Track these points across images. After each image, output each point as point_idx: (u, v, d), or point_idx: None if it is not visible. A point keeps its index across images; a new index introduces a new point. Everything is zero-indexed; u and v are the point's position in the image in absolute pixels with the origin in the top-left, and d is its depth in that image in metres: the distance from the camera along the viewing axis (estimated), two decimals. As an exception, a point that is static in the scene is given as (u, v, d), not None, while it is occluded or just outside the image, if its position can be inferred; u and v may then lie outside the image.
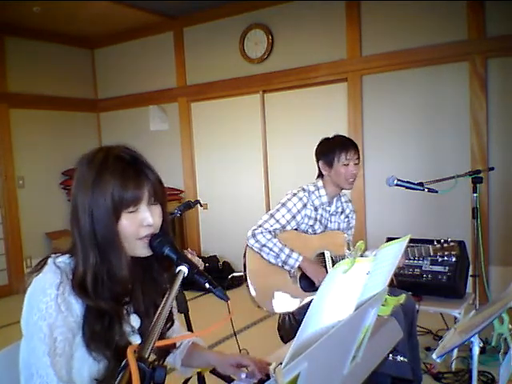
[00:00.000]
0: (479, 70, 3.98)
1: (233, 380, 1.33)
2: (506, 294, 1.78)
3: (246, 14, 5.08)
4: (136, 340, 1.19)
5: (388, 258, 1.16)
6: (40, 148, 5.68)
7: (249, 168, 5.33)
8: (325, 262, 2.46)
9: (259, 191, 5.27)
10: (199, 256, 5.27)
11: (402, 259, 2.27)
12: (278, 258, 2.38)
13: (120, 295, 1.17)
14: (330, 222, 2.58)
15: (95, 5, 4.82)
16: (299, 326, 0.93)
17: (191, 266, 1.08)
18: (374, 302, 1.17)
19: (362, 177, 4.53)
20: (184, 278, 1.06)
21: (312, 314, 0.94)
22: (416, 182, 2.85)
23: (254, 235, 2.40)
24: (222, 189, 5.54)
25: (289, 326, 2.45)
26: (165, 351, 1.31)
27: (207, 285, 1.07)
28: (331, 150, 2.47)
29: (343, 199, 2.65)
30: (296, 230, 2.49)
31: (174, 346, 1.36)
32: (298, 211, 2.44)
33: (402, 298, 1.51)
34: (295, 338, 0.92)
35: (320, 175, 2.56)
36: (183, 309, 2.31)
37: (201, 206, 2.81)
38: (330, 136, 2.56)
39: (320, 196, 2.51)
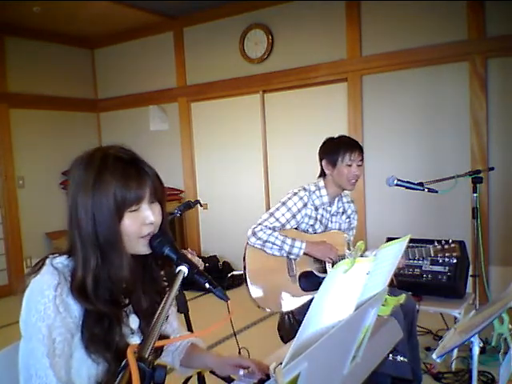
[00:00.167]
0: (479, 70, 3.98)
1: (233, 380, 1.33)
2: (506, 294, 1.78)
3: (245, 13, 5.08)
4: (135, 341, 1.19)
5: (388, 258, 1.16)
6: (40, 148, 5.68)
7: (249, 168, 5.33)
8: (324, 262, 2.46)
9: (259, 191, 5.27)
10: (199, 256, 5.27)
11: (402, 260, 2.26)
12: (282, 250, 2.38)
13: (120, 296, 1.17)
14: (331, 222, 2.58)
15: (95, 5, 4.82)
16: (299, 325, 0.93)
17: (191, 265, 1.08)
18: (374, 302, 1.17)
19: (362, 177, 4.52)
20: (184, 278, 1.06)
21: (312, 313, 0.94)
22: (416, 182, 2.85)
23: (254, 233, 2.40)
24: (221, 189, 5.54)
25: (289, 325, 2.45)
26: (158, 350, 1.30)
27: (207, 285, 1.08)
28: (336, 149, 2.46)
29: (345, 199, 2.65)
30: (296, 229, 2.49)
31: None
32: (298, 210, 2.44)
33: (402, 297, 1.51)
34: (295, 338, 0.92)
35: (322, 175, 2.56)
36: (183, 309, 2.31)
37: (201, 205, 2.80)
38: (335, 136, 2.56)
39: (321, 196, 2.51)
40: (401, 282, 3.03)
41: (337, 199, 2.59)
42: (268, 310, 2.45)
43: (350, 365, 1.16)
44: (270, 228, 2.40)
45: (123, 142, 1.20)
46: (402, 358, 2.11)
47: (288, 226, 2.45)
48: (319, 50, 4.73)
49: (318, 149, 2.57)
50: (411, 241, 2.53)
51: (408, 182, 2.83)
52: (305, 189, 2.50)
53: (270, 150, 5.21)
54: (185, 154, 5.73)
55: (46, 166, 5.71)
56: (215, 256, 5.44)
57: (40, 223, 5.57)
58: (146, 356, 0.84)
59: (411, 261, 2.96)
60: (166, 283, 1.28)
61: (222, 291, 1.07)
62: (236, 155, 5.40)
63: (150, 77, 5.83)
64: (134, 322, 1.22)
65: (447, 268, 2.97)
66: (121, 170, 1.11)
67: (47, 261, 1.14)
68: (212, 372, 1.50)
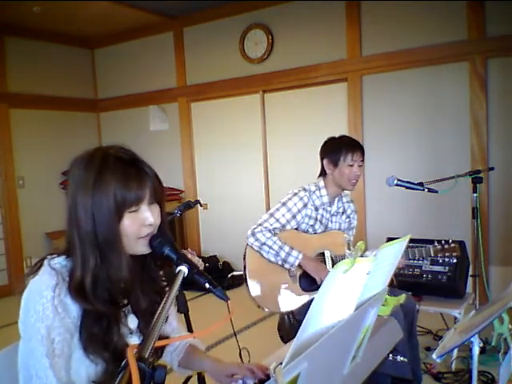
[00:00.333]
0: (479, 70, 3.98)
1: (233, 380, 1.33)
2: (506, 294, 1.78)
3: (245, 13, 5.08)
4: (133, 341, 1.19)
5: (388, 258, 1.16)
6: (40, 148, 5.68)
7: (249, 168, 5.33)
8: (325, 262, 2.46)
9: (259, 191, 5.27)
10: (199, 256, 5.27)
11: (402, 260, 2.26)
12: (278, 256, 2.38)
13: (118, 296, 1.17)
14: (331, 222, 2.58)
15: (95, 5, 4.82)
16: (299, 325, 0.93)
17: (191, 266, 1.08)
18: (374, 302, 1.17)
19: (362, 177, 4.52)
20: (184, 278, 1.06)
21: (312, 314, 0.94)
22: (416, 182, 2.85)
23: (253, 234, 2.40)
24: (222, 189, 5.54)
25: (289, 325, 2.45)
26: (159, 350, 1.30)
27: (207, 285, 1.07)
28: (338, 149, 2.46)
29: (345, 199, 2.65)
30: (296, 229, 2.49)
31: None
32: (299, 211, 2.44)
33: (402, 297, 1.51)
34: (295, 338, 0.92)
35: (322, 174, 2.56)
36: (183, 309, 2.31)
37: (201, 205, 2.80)
38: (336, 136, 2.56)
39: (321, 196, 2.51)
40: (401, 282, 3.03)
41: (337, 199, 2.59)
42: (268, 309, 2.44)
43: (350, 365, 1.16)
44: (269, 230, 2.40)
45: (123, 142, 1.19)
46: (402, 358, 2.11)
47: (288, 227, 2.45)
48: (319, 50, 4.73)
49: (320, 148, 2.57)
50: (411, 241, 2.53)
51: (408, 182, 2.83)
52: (305, 189, 2.50)
53: (269, 150, 5.21)
54: (185, 154, 5.73)
55: (46, 166, 5.71)
56: (215, 256, 5.44)
57: (40, 223, 5.57)
58: (146, 356, 0.84)
59: (411, 261, 2.96)
60: (164, 283, 1.28)
61: (222, 291, 1.07)
62: (236, 155, 5.40)
63: (149, 77, 5.83)
64: (132, 321, 1.21)
65: (447, 268, 2.97)
66: (121, 170, 1.11)
67: (45, 261, 1.14)
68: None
